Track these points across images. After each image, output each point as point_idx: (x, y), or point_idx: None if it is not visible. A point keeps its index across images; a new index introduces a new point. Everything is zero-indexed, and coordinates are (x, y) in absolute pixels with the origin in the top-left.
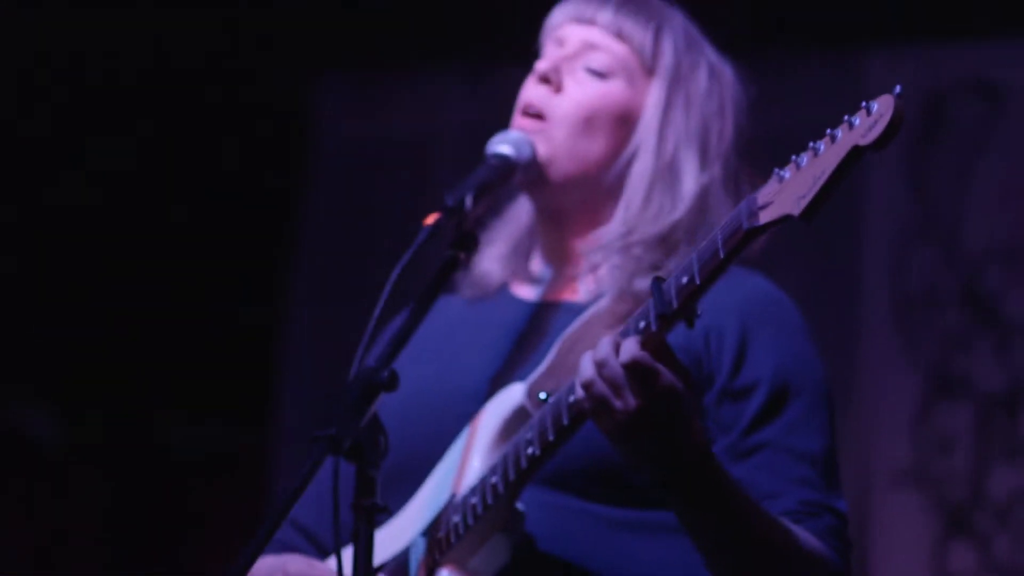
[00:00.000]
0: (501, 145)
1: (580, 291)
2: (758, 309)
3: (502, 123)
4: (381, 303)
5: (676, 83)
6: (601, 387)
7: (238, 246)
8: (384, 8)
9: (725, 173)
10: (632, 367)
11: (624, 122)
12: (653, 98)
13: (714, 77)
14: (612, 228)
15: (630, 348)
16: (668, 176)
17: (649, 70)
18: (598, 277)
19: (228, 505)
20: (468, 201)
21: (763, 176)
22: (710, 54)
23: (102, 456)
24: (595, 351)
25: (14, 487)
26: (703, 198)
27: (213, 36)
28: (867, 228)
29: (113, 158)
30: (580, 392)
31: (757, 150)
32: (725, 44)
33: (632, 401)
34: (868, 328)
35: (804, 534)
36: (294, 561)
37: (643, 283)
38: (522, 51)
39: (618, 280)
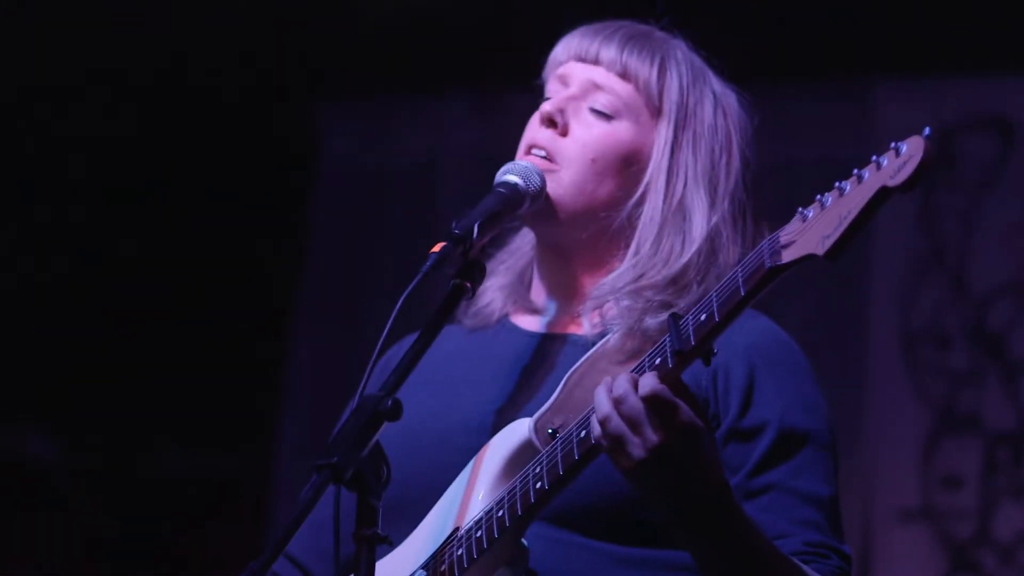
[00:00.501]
0: (509, 174)
1: (585, 326)
2: (766, 351)
3: (505, 149)
4: (386, 331)
5: (683, 121)
6: (619, 423)
7: (242, 272)
8: (387, 34)
9: (733, 209)
10: (652, 401)
11: (631, 162)
12: (660, 138)
13: (719, 109)
14: (622, 274)
15: (650, 383)
16: (678, 217)
17: (655, 108)
18: (603, 313)
19: (229, 533)
20: (475, 230)
21: (771, 208)
22: (714, 84)
23: (102, 483)
24: (612, 387)
25: (15, 514)
26: (713, 238)
27: (216, 63)
28: (875, 263)
29: (116, 187)
30: (596, 429)
31: (766, 181)
32: (734, 76)
33: (652, 437)
34: (876, 364)
35: (814, 574)
36: None
37: (652, 321)
38: (525, 77)
39: (627, 318)
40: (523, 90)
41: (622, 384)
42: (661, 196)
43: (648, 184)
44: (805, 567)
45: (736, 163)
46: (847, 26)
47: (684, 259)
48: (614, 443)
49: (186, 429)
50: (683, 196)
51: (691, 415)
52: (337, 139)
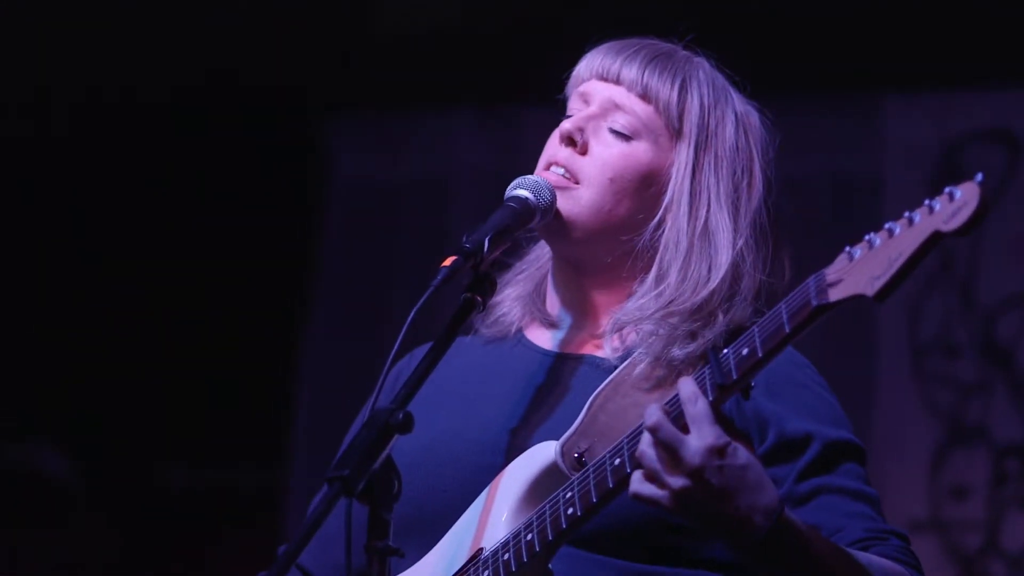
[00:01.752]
0: (520, 189)
1: (606, 349)
2: (788, 373)
3: (516, 163)
4: (397, 344)
5: (704, 143)
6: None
7: (254, 286)
8: (398, 50)
9: (755, 232)
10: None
11: (649, 183)
12: (680, 160)
13: (740, 129)
14: (648, 301)
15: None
16: (703, 242)
17: (675, 130)
18: (625, 337)
19: (241, 546)
20: (486, 244)
21: (786, 226)
22: (736, 103)
23: (115, 496)
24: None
25: (28, 528)
26: (737, 264)
27: (229, 79)
28: None
29: (126, 205)
30: (627, 452)
31: (777, 196)
32: (744, 91)
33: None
34: (884, 376)
35: (880, 560)
36: None
37: (679, 352)
38: (535, 92)
39: (653, 346)
40: (534, 105)
41: (655, 415)
42: (685, 219)
43: (668, 206)
44: (869, 556)
45: (758, 184)
46: (855, 41)
47: (711, 286)
48: (655, 480)
49: (200, 443)
50: (707, 219)
51: (744, 449)
52: (349, 154)
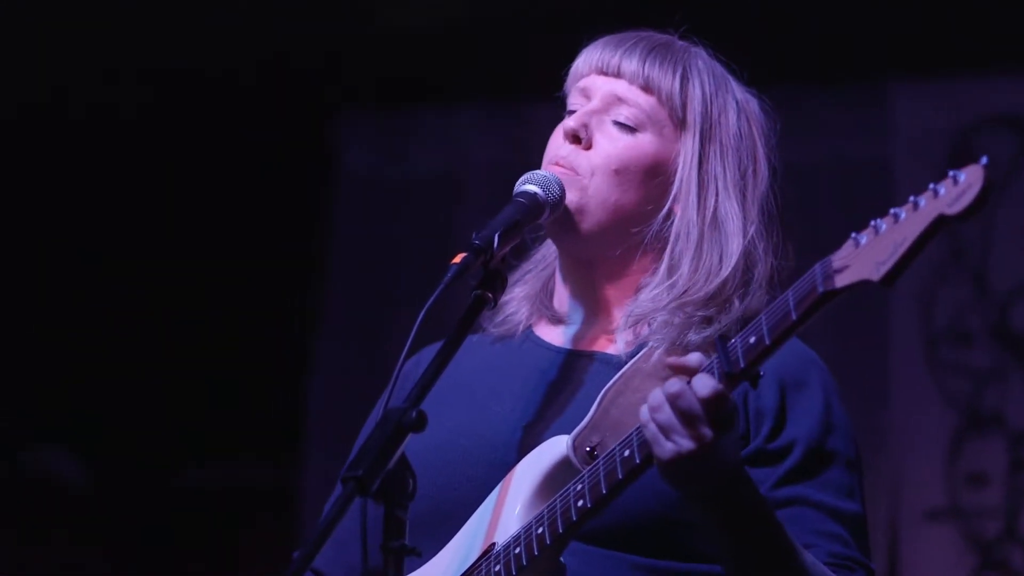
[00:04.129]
0: (529, 184)
1: (618, 343)
2: (796, 371)
3: (525, 159)
4: (409, 342)
5: (708, 132)
6: (670, 415)
7: (263, 286)
8: (407, 46)
9: (763, 219)
10: (712, 400)
11: (655, 174)
12: (686, 150)
13: (743, 116)
14: (661, 292)
15: (711, 382)
16: (713, 231)
17: (679, 120)
18: (638, 331)
19: (257, 545)
20: (495, 240)
21: (789, 208)
22: (736, 91)
23: (131, 495)
24: (666, 386)
25: (42, 530)
26: (749, 251)
27: (236, 75)
28: None
29: (135, 203)
30: (644, 413)
31: (783, 181)
32: (750, 77)
33: (706, 432)
34: (899, 365)
35: (824, 569)
36: None
37: (696, 336)
38: (544, 88)
39: (669, 334)
40: (543, 100)
41: (677, 382)
42: (695, 209)
43: (675, 197)
44: (819, 565)
45: (763, 171)
46: (862, 27)
47: (724, 274)
48: (662, 431)
49: (214, 442)
50: (716, 208)
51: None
52: (357, 150)
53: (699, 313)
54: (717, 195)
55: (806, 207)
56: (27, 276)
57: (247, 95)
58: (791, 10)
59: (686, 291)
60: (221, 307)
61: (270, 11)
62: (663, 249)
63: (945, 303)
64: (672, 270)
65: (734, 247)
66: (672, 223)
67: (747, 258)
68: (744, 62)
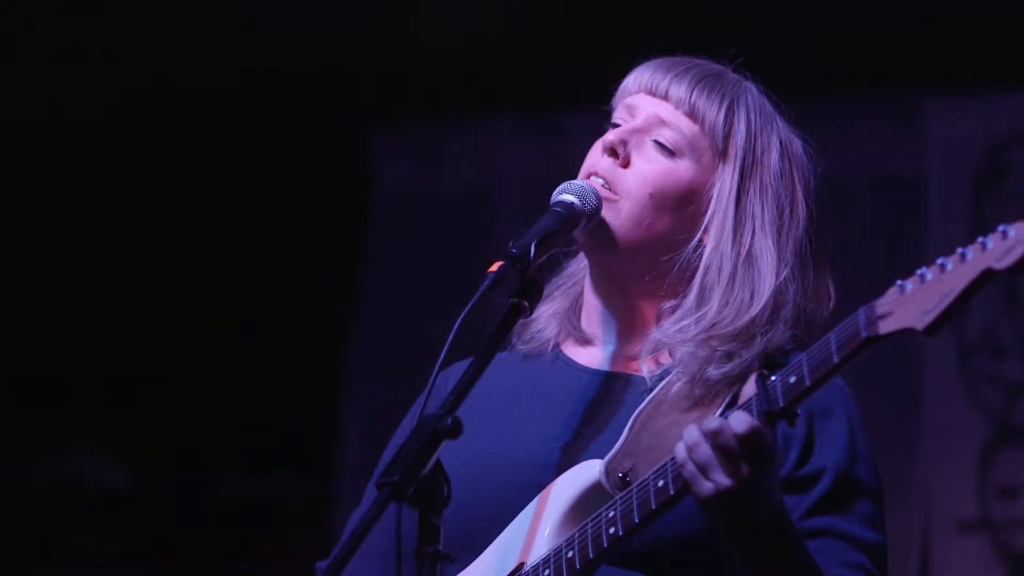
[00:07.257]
0: (566, 194)
1: (643, 368)
2: (822, 398)
3: (560, 169)
4: (444, 351)
5: (749, 168)
6: (707, 452)
7: (300, 296)
8: (442, 58)
9: (797, 260)
10: (749, 437)
11: (689, 202)
12: (724, 182)
13: (785, 156)
14: (690, 324)
15: (748, 420)
16: (747, 267)
17: (719, 151)
18: (659, 357)
19: (292, 555)
20: (532, 249)
21: (824, 221)
22: (782, 129)
23: (168, 506)
24: (704, 424)
25: (80, 538)
26: (780, 292)
27: (273, 89)
28: None
29: (173, 214)
30: (681, 452)
31: (818, 195)
32: (786, 90)
33: (744, 469)
34: (931, 376)
35: None
36: None
37: (716, 372)
38: (579, 99)
39: (690, 366)
40: (578, 111)
41: (715, 420)
42: (729, 243)
43: (707, 227)
44: None
45: (800, 213)
46: (898, 41)
47: (754, 312)
48: (701, 470)
49: (250, 453)
50: (752, 245)
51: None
52: (394, 163)
53: (722, 348)
54: (754, 232)
55: (841, 219)
56: (73, 283)
57: (284, 110)
58: (826, 22)
59: (714, 325)
60: (260, 320)
61: (306, 25)
62: (693, 277)
63: (978, 314)
64: (701, 302)
65: (766, 285)
66: (701, 253)
67: (777, 297)
68: (780, 74)
